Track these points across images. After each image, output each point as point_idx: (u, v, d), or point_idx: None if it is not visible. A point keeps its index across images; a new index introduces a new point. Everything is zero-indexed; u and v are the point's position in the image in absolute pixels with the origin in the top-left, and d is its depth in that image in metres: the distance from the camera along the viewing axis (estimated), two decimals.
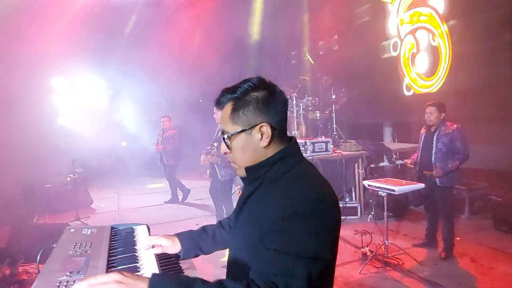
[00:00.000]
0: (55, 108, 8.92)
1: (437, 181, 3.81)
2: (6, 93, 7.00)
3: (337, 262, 3.45)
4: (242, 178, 1.15)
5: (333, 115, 7.00)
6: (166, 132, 6.95)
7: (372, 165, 6.09)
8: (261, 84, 1.08)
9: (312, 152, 5.47)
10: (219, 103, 1.11)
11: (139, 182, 9.41)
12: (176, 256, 1.35)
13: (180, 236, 1.36)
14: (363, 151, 5.77)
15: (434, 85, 6.21)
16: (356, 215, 5.56)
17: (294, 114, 6.95)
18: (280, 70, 8.64)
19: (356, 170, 5.74)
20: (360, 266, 3.75)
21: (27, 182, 6.60)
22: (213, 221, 5.61)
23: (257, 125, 1.04)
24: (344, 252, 4.23)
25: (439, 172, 3.75)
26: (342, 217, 5.33)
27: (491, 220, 4.69)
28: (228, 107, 1.07)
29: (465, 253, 3.98)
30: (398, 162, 6.32)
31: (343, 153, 5.71)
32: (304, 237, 0.89)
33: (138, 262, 1.18)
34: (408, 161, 4.25)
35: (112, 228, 1.53)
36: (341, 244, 4.51)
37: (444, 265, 3.76)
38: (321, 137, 5.81)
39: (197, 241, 1.35)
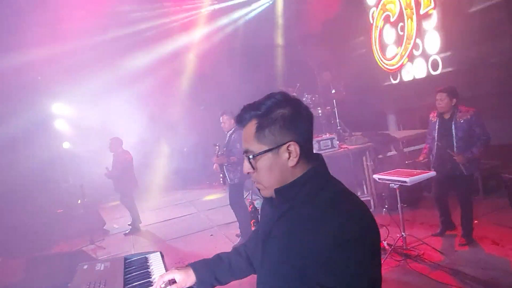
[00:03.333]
0: (59, 133, 9.00)
1: (463, 170, 3.66)
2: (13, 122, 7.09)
3: None
4: (269, 199, 1.08)
5: (335, 110, 6.95)
6: None
7: (380, 156, 6.02)
8: (286, 99, 1.02)
9: (318, 150, 5.41)
10: (241, 120, 1.05)
11: (149, 198, 9.42)
12: None
13: (194, 266, 1.28)
14: (369, 143, 5.71)
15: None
16: (370, 208, 5.49)
17: None
18: (276, 70, 8.61)
19: (365, 163, 5.68)
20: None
21: (40, 210, 6.65)
22: (228, 230, 5.60)
23: (284, 143, 0.99)
24: None
25: (461, 159, 3.61)
26: None
27: (507, 198, 4.60)
28: (252, 125, 1.01)
29: (485, 236, 3.90)
30: (406, 149, 6.24)
31: (350, 147, 5.66)
32: (359, 268, 0.84)
33: None
34: (421, 157, 4.10)
35: (125, 259, 1.51)
36: None
37: (465, 251, 3.70)
38: (326, 134, 5.75)
39: (212, 270, 1.28)
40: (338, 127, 6.91)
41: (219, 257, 1.33)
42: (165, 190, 9.80)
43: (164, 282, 1.22)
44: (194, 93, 9.15)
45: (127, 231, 6.40)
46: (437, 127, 3.85)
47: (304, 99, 7.02)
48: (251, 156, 1.02)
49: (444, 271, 3.34)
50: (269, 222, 1.06)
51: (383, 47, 7.29)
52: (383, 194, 5.38)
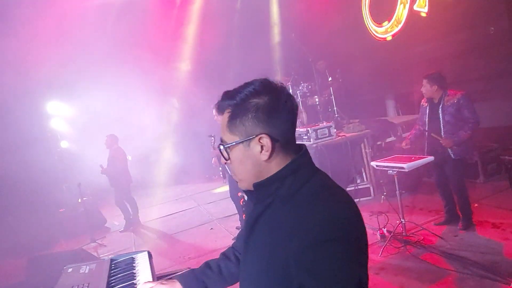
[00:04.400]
0: (56, 133, 8.97)
1: (451, 154, 3.65)
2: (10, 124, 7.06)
3: None
4: (248, 195, 1.03)
5: (332, 97, 6.87)
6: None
7: (379, 142, 5.97)
8: (265, 88, 0.94)
9: (316, 139, 5.37)
10: (219, 108, 0.99)
11: (149, 194, 9.43)
12: None
13: (181, 278, 1.21)
14: (367, 130, 5.65)
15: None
16: (369, 195, 5.48)
17: None
18: (271, 59, 8.50)
19: (363, 150, 5.63)
20: (380, 249, 3.67)
21: (41, 209, 6.66)
22: (228, 223, 5.59)
23: (255, 136, 0.92)
24: None
25: (448, 143, 3.60)
26: (356, 200, 5.35)
27: (507, 181, 4.55)
28: (226, 114, 0.96)
29: (485, 220, 3.87)
30: (405, 135, 6.19)
31: (347, 135, 5.61)
32: (343, 268, 0.78)
33: None
34: (403, 143, 4.09)
35: (111, 260, 1.47)
36: None
37: (465, 235, 3.67)
38: (323, 123, 5.70)
39: (201, 281, 1.20)
40: (336, 115, 6.85)
41: (207, 265, 1.26)
42: (164, 185, 9.80)
43: None
44: (193, 80, 9.04)
45: (121, 229, 6.41)
46: (427, 112, 3.84)
47: (300, 87, 6.95)
48: (222, 147, 0.98)
49: (443, 256, 3.32)
50: (249, 220, 1.00)
51: (373, 13, 7.19)
52: (381, 181, 5.35)
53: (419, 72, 5.92)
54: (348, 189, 5.45)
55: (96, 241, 5.74)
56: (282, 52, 8.56)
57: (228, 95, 0.97)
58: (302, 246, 0.80)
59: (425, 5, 5.75)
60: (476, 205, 4.32)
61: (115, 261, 1.47)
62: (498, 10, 4.73)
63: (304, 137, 5.53)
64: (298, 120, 6.71)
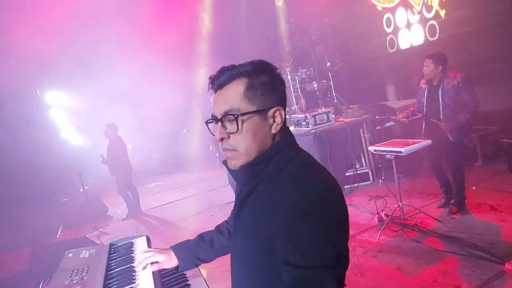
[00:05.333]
0: (55, 123, 8.96)
1: (450, 137, 3.63)
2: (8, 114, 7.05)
3: (355, 231, 3.40)
4: (235, 176, 1.02)
5: (331, 83, 6.84)
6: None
7: (378, 127, 5.97)
8: (269, 65, 1.00)
9: (314, 125, 5.37)
10: (226, 78, 0.96)
11: (150, 181, 9.50)
12: (176, 269, 1.29)
13: (175, 248, 1.28)
14: (366, 115, 5.65)
15: None
16: (368, 180, 5.51)
17: (291, 89, 6.83)
18: (269, 45, 8.42)
19: (362, 135, 5.64)
20: (377, 232, 3.72)
21: (44, 199, 6.72)
22: (228, 210, 5.64)
23: (272, 107, 0.96)
24: (360, 220, 4.21)
25: (447, 126, 3.58)
26: (355, 184, 5.38)
27: (506, 164, 4.57)
28: (241, 83, 0.94)
29: (483, 202, 3.90)
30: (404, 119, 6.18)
31: (346, 120, 5.61)
32: (324, 240, 0.80)
33: (134, 282, 1.15)
34: (400, 115, 4.09)
35: (111, 245, 1.50)
36: (356, 212, 4.49)
37: (463, 217, 3.71)
38: (321, 108, 5.69)
39: (194, 251, 1.27)
40: (335, 100, 6.84)
41: (201, 237, 1.32)
42: (165, 173, 9.87)
43: (147, 264, 1.22)
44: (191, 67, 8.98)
45: (124, 217, 6.48)
46: (426, 94, 3.79)
47: (299, 73, 6.92)
48: (236, 115, 0.93)
49: (441, 239, 3.36)
50: (238, 200, 1.03)
51: None
52: (379, 165, 5.37)
53: (419, 56, 5.91)
54: (347, 174, 5.49)
55: (99, 229, 5.81)
56: (281, 37, 8.46)
57: (234, 66, 0.97)
58: (284, 221, 0.83)
59: None
60: (474, 188, 4.36)
61: (114, 246, 1.50)
62: None
63: (302, 123, 5.53)
64: (297, 106, 6.76)
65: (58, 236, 6.17)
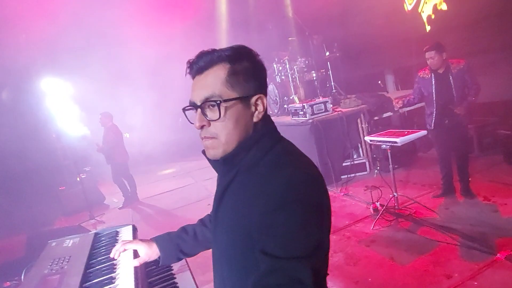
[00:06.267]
0: (51, 111, 8.90)
1: (462, 120, 3.71)
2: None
3: (350, 221, 3.40)
4: (214, 166, 0.98)
5: (330, 72, 6.78)
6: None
7: (376, 118, 5.94)
8: (250, 50, 0.95)
9: (312, 114, 5.34)
10: (205, 62, 0.91)
11: (148, 170, 9.49)
12: (156, 262, 1.24)
13: (157, 240, 1.24)
14: (363, 105, 5.61)
15: None
16: (365, 170, 5.49)
17: (290, 78, 6.77)
18: (268, 35, 8.30)
19: (360, 125, 5.61)
20: (372, 222, 3.73)
21: (42, 188, 6.73)
22: None
23: (255, 95, 0.93)
24: (356, 210, 4.21)
25: (462, 109, 3.63)
26: (352, 175, 5.38)
27: (502, 155, 4.56)
28: (222, 68, 0.90)
29: (478, 193, 3.90)
30: (402, 110, 6.13)
31: (344, 110, 5.57)
32: (301, 230, 0.77)
33: (114, 272, 1.14)
34: (400, 102, 4.09)
35: (96, 234, 1.49)
36: (352, 202, 4.50)
37: (457, 208, 3.71)
38: (319, 98, 5.64)
39: (176, 243, 1.23)
40: (333, 90, 6.78)
41: (183, 229, 1.28)
42: (163, 162, 9.86)
43: (125, 250, 1.18)
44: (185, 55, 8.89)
45: (120, 206, 6.50)
46: (433, 83, 3.76)
47: (297, 62, 6.85)
48: (219, 101, 0.88)
49: (433, 228, 3.36)
50: (218, 191, 1.00)
51: None
52: (374, 155, 5.36)
53: (418, 45, 5.84)
54: (344, 164, 5.48)
55: (95, 218, 5.83)
56: (279, 26, 8.35)
57: (215, 50, 0.92)
58: (261, 210, 0.81)
59: None
60: (469, 178, 4.34)
61: (99, 235, 1.49)
62: None
63: (300, 112, 5.50)
64: (295, 95, 6.71)
65: (54, 224, 6.20)
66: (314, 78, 6.85)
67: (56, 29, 7.20)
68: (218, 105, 0.89)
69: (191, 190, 6.83)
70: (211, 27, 8.56)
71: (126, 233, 1.49)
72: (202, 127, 0.92)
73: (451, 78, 3.65)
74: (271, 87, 6.98)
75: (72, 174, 7.28)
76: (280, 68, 7.00)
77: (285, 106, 6.61)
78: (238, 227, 0.89)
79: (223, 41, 8.62)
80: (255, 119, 0.94)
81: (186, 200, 6.17)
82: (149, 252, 1.20)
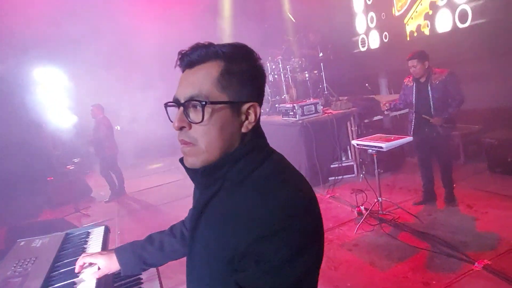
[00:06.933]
0: (42, 101, 8.78)
1: (440, 131, 3.70)
2: None
3: (334, 224, 3.43)
4: (192, 177, 0.86)
5: (323, 73, 6.78)
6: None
7: (366, 120, 5.96)
8: (252, 52, 0.84)
9: (302, 115, 5.34)
10: (198, 56, 0.80)
11: (137, 164, 9.43)
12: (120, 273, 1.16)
13: (118, 251, 1.16)
14: (354, 108, 5.62)
15: None
16: (353, 173, 5.52)
17: (282, 78, 6.76)
18: (264, 32, 8.27)
19: (349, 128, 5.62)
20: (356, 226, 3.75)
21: (29, 177, 6.63)
22: None
23: (248, 102, 0.81)
24: (341, 213, 4.23)
25: (439, 121, 3.63)
26: (339, 177, 5.40)
27: (486, 163, 4.61)
28: (216, 66, 0.79)
29: (461, 200, 3.94)
30: (393, 114, 6.17)
31: (334, 112, 5.58)
32: (293, 261, 0.70)
33: (77, 277, 1.12)
34: (387, 104, 4.09)
35: (67, 235, 1.47)
36: (337, 205, 4.52)
37: (439, 214, 3.75)
38: (310, 99, 5.64)
39: (139, 255, 1.15)
40: (326, 92, 6.79)
41: (150, 239, 1.20)
42: (154, 156, 9.80)
43: (85, 264, 1.13)
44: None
45: (107, 199, 6.45)
46: (414, 91, 3.80)
47: (291, 62, 6.84)
48: (205, 102, 0.77)
49: (415, 235, 3.39)
50: (197, 206, 0.88)
51: None
52: (361, 159, 5.39)
53: (410, 49, 5.87)
54: (332, 166, 5.49)
55: (80, 211, 5.78)
56: (274, 25, 8.32)
57: (212, 44, 0.81)
58: (252, 238, 0.72)
59: None
60: (454, 185, 4.39)
61: (70, 235, 1.47)
62: None
63: (290, 113, 5.50)
64: (287, 95, 6.71)
65: (38, 216, 6.13)
66: (307, 79, 6.85)
67: (51, 18, 7.10)
68: (203, 107, 0.77)
69: (179, 186, 6.80)
70: (208, 25, 8.47)
71: (97, 234, 1.47)
72: (181, 128, 0.81)
73: (429, 88, 3.65)
74: None
75: (61, 164, 7.21)
76: (274, 66, 6.99)
77: (277, 105, 6.61)
78: (219, 251, 0.79)
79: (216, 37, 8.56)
80: (243, 129, 0.83)
81: (173, 196, 6.14)
82: (109, 265, 1.13)
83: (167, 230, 1.23)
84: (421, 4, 5.71)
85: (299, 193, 0.79)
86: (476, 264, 2.79)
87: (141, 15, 8.18)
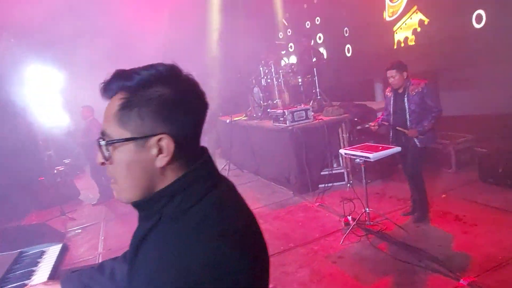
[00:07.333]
0: (30, 101, 8.67)
1: (417, 143, 3.60)
2: None
3: (320, 234, 3.34)
4: (136, 208, 0.81)
5: (315, 78, 6.72)
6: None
7: (359, 127, 5.89)
8: (172, 76, 0.76)
9: (292, 121, 5.27)
10: (107, 90, 0.76)
11: None
12: None
13: (64, 282, 1.09)
14: (345, 114, 5.56)
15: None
16: (343, 180, 5.44)
17: (275, 82, 6.69)
18: (257, 36, 8.21)
19: (341, 134, 5.56)
20: (342, 237, 3.67)
21: (20, 177, 6.52)
22: None
23: (155, 135, 0.73)
24: (328, 223, 4.15)
25: (414, 133, 3.55)
26: (329, 184, 5.32)
27: (478, 173, 4.55)
28: (117, 99, 0.74)
29: (450, 211, 3.88)
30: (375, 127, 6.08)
31: (325, 118, 5.51)
32: None
33: None
34: (372, 124, 4.01)
35: (21, 253, 1.39)
36: (325, 213, 4.44)
37: (427, 226, 3.68)
38: (301, 105, 5.57)
39: (86, 285, 1.07)
40: (318, 97, 6.73)
41: (100, 267, 1.11)
42: None
43: None
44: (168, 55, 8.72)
45: (94, 202, 6.36)
46: (392, 102, 3.77)
47: (283, 65, 6.78)
48: (102, 142, 0.75)
49: (402, 248, 3.32)
50: (134, 241, 0.81)
51: None
52: (352, 167, 5.31)
53: (403, 55, 5.82)
54: (322, 173, 5.42)
55: (66, 214, 5.68)
56: (267, 29, 8.27)
57: (122, 75, 0.75)
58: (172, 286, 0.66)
59: None
60: (444, 195, 4.33)
61: (23, 254, 1.39)
62: None
63: (280, 118, 5.43)
64: (279, 100, 6.63)
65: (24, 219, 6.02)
66: (300, 83, 6.79)
67: (43, 15, 7.00)
68: (107, 145, 0.74)
69: None
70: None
71: (52, 254, 1.39)
72: (102, 163, 0.77)
73: (406, 100, 3.59)
74: (256, 90, 6.90)
75: (52, 165, 7.12)
76: (266, 71, 6.91)
77: (269, 110, 6.53)
78: None
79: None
80: (158, 164, 0.74)
81: None
82: None
83: (121, 256, 1.14)
84: (410, 18, 5.70)
85: (233, 238, 0.72)
86: (461, 281, 2.72)
87: (137, 13, 8.09)
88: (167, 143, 0.73)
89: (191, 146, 0.79)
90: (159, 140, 0.73)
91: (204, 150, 0.84)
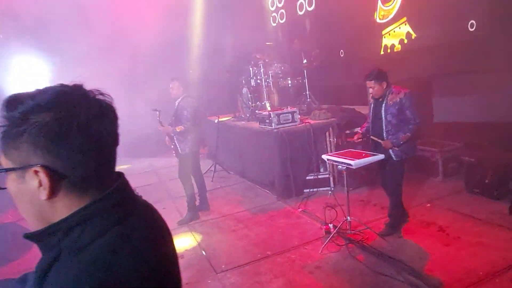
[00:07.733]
0: (23, 87, 8.42)
1: (393, 155, 3.46)
2: None
3: (299, 242, 3.19)
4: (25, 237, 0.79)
5: (305, 81, 6.60)
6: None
7: (347, 132, 5.77)
8: (58, 101, 0.70)
9: (278, 124, 5.14)
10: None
11: (119, 162, 9.13)
12: None
13: None
14: (333, 119, 5.44)
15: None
16: (329, 186, 5.32)
17: (264, 83, 6.56)
18: (247, 37, 8.06)
19: (328, 139, 5.44)
20: (322, 245, 3.55)
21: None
22: (182, 203, 5.37)
23: (30, 167, 0.69)
24: (309, 230, 4.02)
25: (388, 145, 3.42)
26: (314, 189, 5.18)
27: (464, 182, 4.45)
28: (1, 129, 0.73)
29: (434, 222, 3.77)
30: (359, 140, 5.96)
31: (312, 122, 5.39)
32: None
33: None
34: (355, 137, 3.85)
35: None
36: (307, 220, 4.32)
37: (409, 237, 3.56)
38: (287, 108, 5.44)
39: None
40: (308, 99, 6.61)
41: (25, 277, 0.96)
42: (133, 157, 9.51)
43: None
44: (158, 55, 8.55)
45: None
46: (371, 110, 3.64)
47: (273, 67, 6.64)
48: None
49: (382, 259, 3.20)
50: (37, 273, 0.74)
51: None
52: (338, 172, 5.17)
53: (399, 61, 5.72)
54: (307, 177, 5.29)
55: None
56: (257, 29, 8.13)
57: (7, 103, 0.71)
58: None
59: None
60: (428, 205, 4.23)
61: None
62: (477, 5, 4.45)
63: (266, 120, 5.30)
64: (267, 101, 6.49)
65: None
66: (290, 85, 6.67)
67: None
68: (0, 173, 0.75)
69: (152, 190, 6.55)
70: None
71: None
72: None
73: (383, 110, 3.45)
74: (244, 91, 6.77)
75: None
76: (256, 71, 6.78)
77: (257, 111, 6.40)
78: None
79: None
80: (42, 196, 0.70)
81: (146, 199, 5.88)
82: None
83: (22, 276, 0.99)
84: (399, 28, 5.61)
85: (143, 276, 0.71)
86: None
87: (129, 7, 7.93)
88: (41, 175, 0.70)
89: (88, 177, 0.74)
90: (35, 172, 0.70)
91: (120, 176, 0.81)
